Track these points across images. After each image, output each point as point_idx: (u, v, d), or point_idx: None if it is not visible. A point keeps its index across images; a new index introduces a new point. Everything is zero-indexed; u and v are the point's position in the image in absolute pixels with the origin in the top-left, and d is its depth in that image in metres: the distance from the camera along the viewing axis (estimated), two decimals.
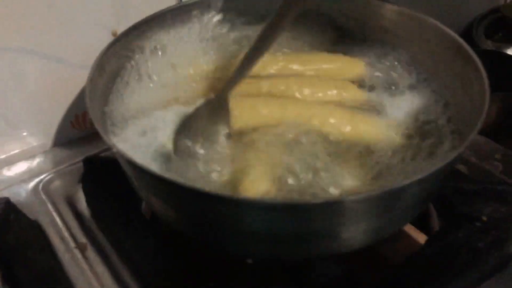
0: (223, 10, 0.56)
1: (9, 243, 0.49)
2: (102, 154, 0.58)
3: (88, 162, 0.56)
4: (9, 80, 0.54)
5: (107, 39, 0.50)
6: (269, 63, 0.51)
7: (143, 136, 0.46)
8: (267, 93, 0.48)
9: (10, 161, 0.59)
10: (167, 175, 0.36)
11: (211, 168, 0.42)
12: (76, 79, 0.57)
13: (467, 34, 0.82)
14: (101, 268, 0.48)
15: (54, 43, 0.54)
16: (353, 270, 0.48)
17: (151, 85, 0.52)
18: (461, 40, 0.47)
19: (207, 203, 0.36)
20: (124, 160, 0.39)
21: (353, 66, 0.52)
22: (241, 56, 0.46)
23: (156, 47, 0.53)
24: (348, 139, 0.44)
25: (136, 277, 0.47)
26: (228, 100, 0.46)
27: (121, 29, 0.51)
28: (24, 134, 0.59)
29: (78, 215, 0.53)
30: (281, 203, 0.35)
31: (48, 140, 0.61)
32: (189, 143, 0.45)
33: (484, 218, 0.49)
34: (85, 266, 0.48)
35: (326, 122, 0.44)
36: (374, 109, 0.48)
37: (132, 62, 0.52)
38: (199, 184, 0.40)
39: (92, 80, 0.44)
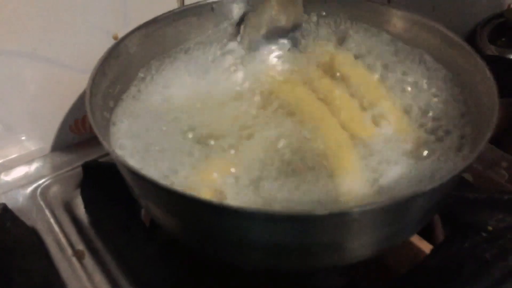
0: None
1: (5, 250, 0.48)
2: (102, 159, 0.57)
3: (87, 167, 0.55)
4: (7, 83, 0.53)
5: (108, 42, 0.49)
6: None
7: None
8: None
9: (7, 166, 0.58)
10: (168, 184, 0.35)
11: None
12: (76, 83, 0.56)
13: (471, 39, 0.81)
14: (99, 277, 0.47)
15: (53, 46, 0.54)
16: (355, 280, 0.47)
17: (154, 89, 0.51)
18: (469, 47, 0.46)
19: (208, 212, 0.35)
20: (123, 167, 0.38)
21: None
22: None
23: None
24: None
25: (135, 286, 0.46)
26: None
27: (122, 32, 0.50)
28: (23, 138, 0.58)
29: (76, 222, 0.52)
30: (283, 214, 0.34)
31: (47, 144, 0.60)
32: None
33: (490, 228, 0.48)
34: (82, 274, 0.47)
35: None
36: None
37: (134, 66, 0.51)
38: None
39: (92, 84, 0.44)
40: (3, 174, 0.57)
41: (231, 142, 0.47)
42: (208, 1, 0.54)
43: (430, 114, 0.48)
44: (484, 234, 0.48)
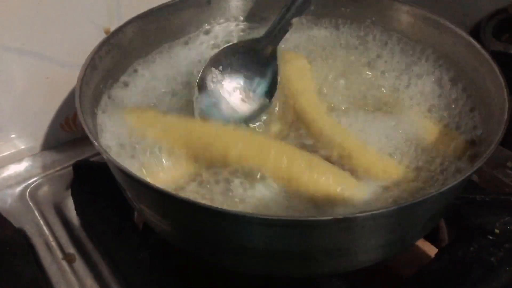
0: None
1: None
2: (93, 159, 0.56)
3: (78, 167, 0.54)
4: None
5: (100, 37, 0.47)
6: None
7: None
8: None
9: None
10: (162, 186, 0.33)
11: None
12: (66, 79, 0.55)
13: (474, 35, 0.80)
14: (90, 281, 0.45)
15: (43, 41, 0.52)
16: (357, 284, 0.46)
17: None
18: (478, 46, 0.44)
19: (204, 216, 0.34)
20: (115, 168, 0.36)
21: None
22: None
23: None
24: None
25: None
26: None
27: (114, 26, 0.49)
28: (12, 136, 0.56)
29: (66, 224, 0.51)
30: (284, 219, 0.32)
31: (37, 143, 0.58)
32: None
33: (497, 231, 0.46)
34: (73, 279, 0.46)
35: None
36: None
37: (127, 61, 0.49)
38: None
39: (82, 80, 0.42)
40: None
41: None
42: None
43: (435, 114, 0.46)
44: (490, 237, 0.46)
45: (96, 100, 0.45)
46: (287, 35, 0.49)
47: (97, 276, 0.46)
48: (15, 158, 0.57)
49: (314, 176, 0.38)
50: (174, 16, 0.51)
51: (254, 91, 0.48)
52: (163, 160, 0.41)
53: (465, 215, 0.48)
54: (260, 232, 0.33)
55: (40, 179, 0.55)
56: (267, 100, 0.47)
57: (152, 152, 0.42)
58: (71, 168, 0.54)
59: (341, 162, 0.41)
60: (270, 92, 0.47)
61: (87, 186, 0.52)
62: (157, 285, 0.44)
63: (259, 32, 0.52)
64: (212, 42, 0.54)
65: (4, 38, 0.50)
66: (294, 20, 0.49)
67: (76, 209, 0.51)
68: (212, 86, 0.47)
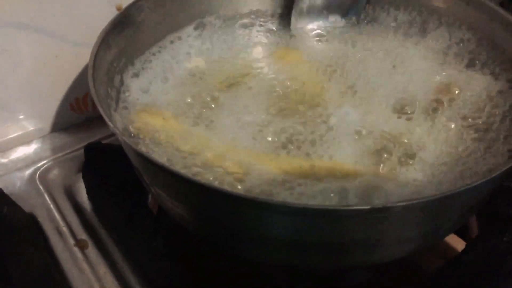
0: None
1: (2, 239, 0.44)
2: (105, 141, 0.54)
3: (90, 149, 0.52)
4: (1, 58, 0.49)
5: (111, 13, 0.45)
6: None
7: None
8: None
9: (4, 147, 0.54)
10: (183, 171, 0.31)
11: None
12: (77, 58, 0.53)
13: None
14: (102, 269, 0.44)
15: (53, 17, 0.50)
16: (382, 280, 0.44)
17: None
18: None
19: (227, 204, 0.31)
20: (131, 150, 0.34)
21: None
22: None
23: None
24: None
25: (141, 279, 0.43)
26: None
27: (126, 2, 0.46)
28: (21, 117, 0.55)
29: (78, 209, 0.49)
30: (313, 208, 0.30)
31: (46, 124, 0.56)
32: None
33: None
34: (85, 266, 0.44)
35: None
36: None
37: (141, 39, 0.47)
38: None
39: (96, 57, 0.40)
40: None
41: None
42: None
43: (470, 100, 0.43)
44: None
45: (109, 79, 0.42)
46: None
47: (110, 263, 0.44)
48: (24, 140, 0.55)
49: None
50: None
51: None
52: None
53: (497, 205, 0.46)
54: (287, 221, 0.31)
55: (50, 162, 0.54)
56: None
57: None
58: (82, 150, 0.52)
59: None
60: None
61: (99, 169, 0.50)
62: (171, 272, 0.43)
63: None
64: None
65: (11, 15, 0.48)
66: None
67: (87, 193, 0.49)
68: None
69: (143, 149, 0.39)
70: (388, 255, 0.36)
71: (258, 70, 0.49)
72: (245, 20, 0.53)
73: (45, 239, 0.46)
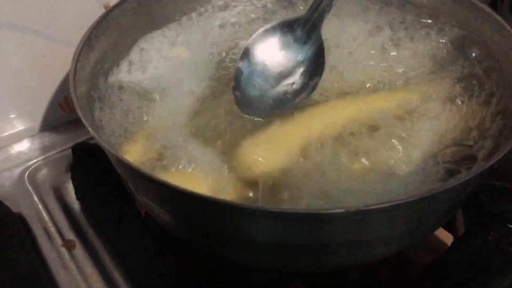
0: None
1: None
2: (93, 141, 0.53)
3: (78, 149, 0.52)
4: None
5: (100, 12, 0.45)
6: None
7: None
8: None
9: None
10: (164, 177, 0.31)
11: None
12: (64, 57, 0.51)
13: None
14: (90, 269, 0.44)
15: (40, 17, 0.50)
16: (372, 274, 0.44)
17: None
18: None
19: (209, 209, 0.31)
20: (112, 156, 0.34)
21: None
22: None
23: None
24: None
25: (128, 280, 0.43)
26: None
27: (113, 1, 0.46)
28: (10, 116, 0.55)
29: (66, 209, 0.49)
30: (293, 212, 0.30)
31: (36, 123, 0.56)
32: None
33: None
34: (72, 266, 0.44)
35: None
36: None
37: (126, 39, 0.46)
38: None
39: (78, 59, 0.39)
40: None
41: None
42: None
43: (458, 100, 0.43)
44: (510, 226, 0.44)
45: (92, 80, 0.42)
46: None
47: (98, 263, 0.44)
48: (13, 139, 0.55)
49: None
50: None
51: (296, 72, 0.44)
52: None
53: (484, 203, 0.46)
54: (265, 225, 0.31)
55: (39, 162, 0.54)
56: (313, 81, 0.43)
57: None
58: (71, 150, 0.52)
59: None
60: (315, 73, 0.44)
61: (88, 169, 0.50)
62: (159, 273, 0.43)
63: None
64: (233, 20, 0.51)
65: None
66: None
67: (76, 193, 0.49)
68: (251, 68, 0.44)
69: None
70: (372, 255, 0.36)
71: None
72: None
73: (32, 239, 0.46)
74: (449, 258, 0.43)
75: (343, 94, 0.44)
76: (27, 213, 0.48)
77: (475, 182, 0.35)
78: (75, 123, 0.57)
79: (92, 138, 0.53)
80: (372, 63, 0.46)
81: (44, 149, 0.55)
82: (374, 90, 0.44)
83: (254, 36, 0.44)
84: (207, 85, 0.45)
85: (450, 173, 0.36)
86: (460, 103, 0.43)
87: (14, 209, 0.48)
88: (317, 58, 0.44)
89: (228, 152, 0.39)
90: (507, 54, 0.42)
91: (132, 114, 0.42)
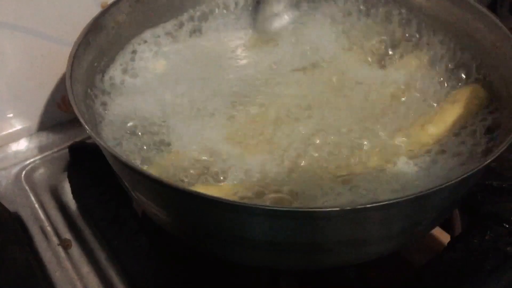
0: None
1: None
2: (90, 140, 0.53)
3: (75, 148, 0.52)
4: None
5: (97, 11, 0.45)
6: None
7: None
8: None
9: None
10: (160, 176, 0.31)
11: None
12: (62, 56, 0.51)
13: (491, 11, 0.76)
14: (86, 268, 0.44)
15: (36, 16, 0.50)
16: (368, 273, 0.44)
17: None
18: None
19: (205, 207, 0.31)
20: (110, 155, 0.34)
21: None
22: None
23: None
24: None
25: (124, 279, 0.43)
26: None
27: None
28: (8, 116, 0.54)
29: (62, 208, 0.49)
30: (289, 210, 0.30)
31: (33, 123, 0.56)
32: None
33: None
34: (68, 265, 0.44)
35: None
36: None
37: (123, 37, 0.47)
38: None
39: (75, 57, 0.40)
40: None
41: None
42: None
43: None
44: (506, 226, 0.44)
45: (89, 79, 0.42)
46: None
47: (94, 262, 0.44)
48: (11, 138, 0.55)
49: None
50: None
51: None
52: None
53: (481, 202, 0.46)
54: (262, 223, 0.31)
55: (36, 161, 0.53)
56: None
57: None
58: (68, 150, 0.52)
59: None
60: None
61: (84, 169, 0.50)
62: (155, 272, 0.43)
63: None
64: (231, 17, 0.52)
65: None
66: None
67: (72, 193, 0.49)
68: None
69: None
70: (368, 253, 0.36)
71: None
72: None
73: (29, 238, 0.46)
74: (446, 257, 0.43)
75: None
76: (23, 212, 0.48)
77: (470, 181, 0.35)
78: (72, 122, 0.57)
79: (89, 137, 0.54)
80: None
81: (41, 149, 0.55)
82: None
83: None
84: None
85: None
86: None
87: (11, 208, 0.48)
88: None
89: None
90: (504, 55, 0.42)
91: (128, 111, 0.42)
